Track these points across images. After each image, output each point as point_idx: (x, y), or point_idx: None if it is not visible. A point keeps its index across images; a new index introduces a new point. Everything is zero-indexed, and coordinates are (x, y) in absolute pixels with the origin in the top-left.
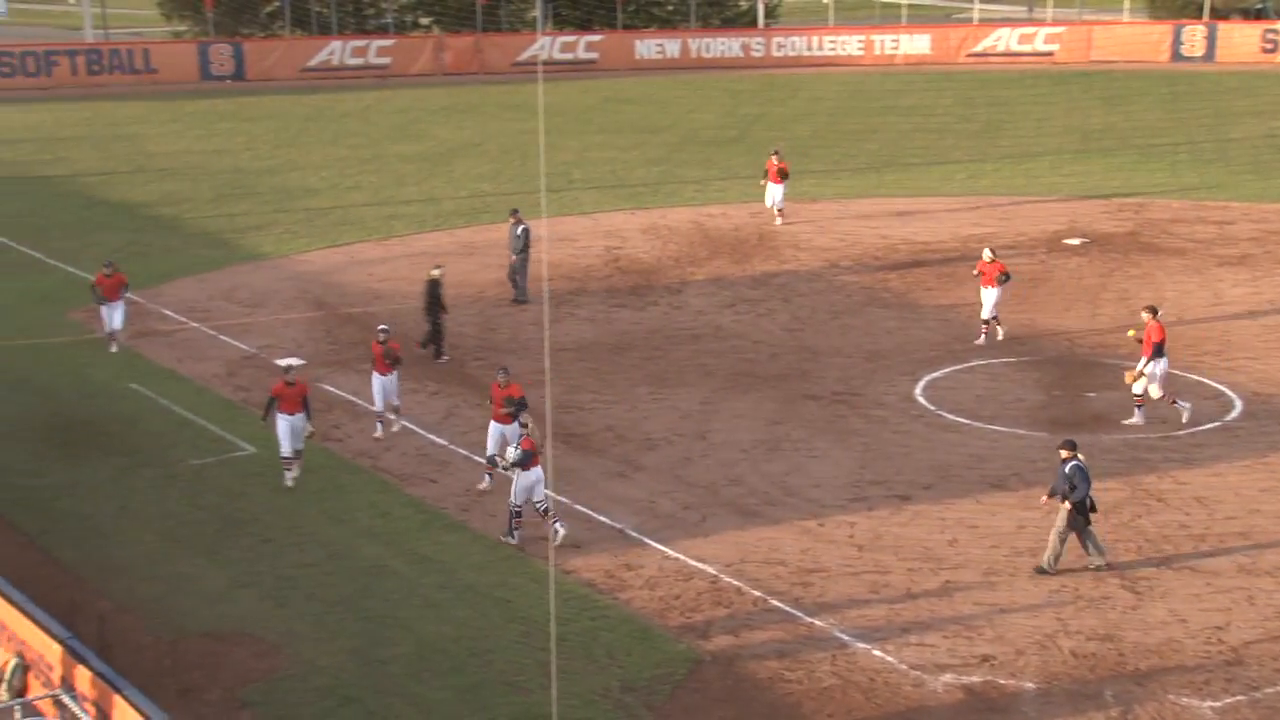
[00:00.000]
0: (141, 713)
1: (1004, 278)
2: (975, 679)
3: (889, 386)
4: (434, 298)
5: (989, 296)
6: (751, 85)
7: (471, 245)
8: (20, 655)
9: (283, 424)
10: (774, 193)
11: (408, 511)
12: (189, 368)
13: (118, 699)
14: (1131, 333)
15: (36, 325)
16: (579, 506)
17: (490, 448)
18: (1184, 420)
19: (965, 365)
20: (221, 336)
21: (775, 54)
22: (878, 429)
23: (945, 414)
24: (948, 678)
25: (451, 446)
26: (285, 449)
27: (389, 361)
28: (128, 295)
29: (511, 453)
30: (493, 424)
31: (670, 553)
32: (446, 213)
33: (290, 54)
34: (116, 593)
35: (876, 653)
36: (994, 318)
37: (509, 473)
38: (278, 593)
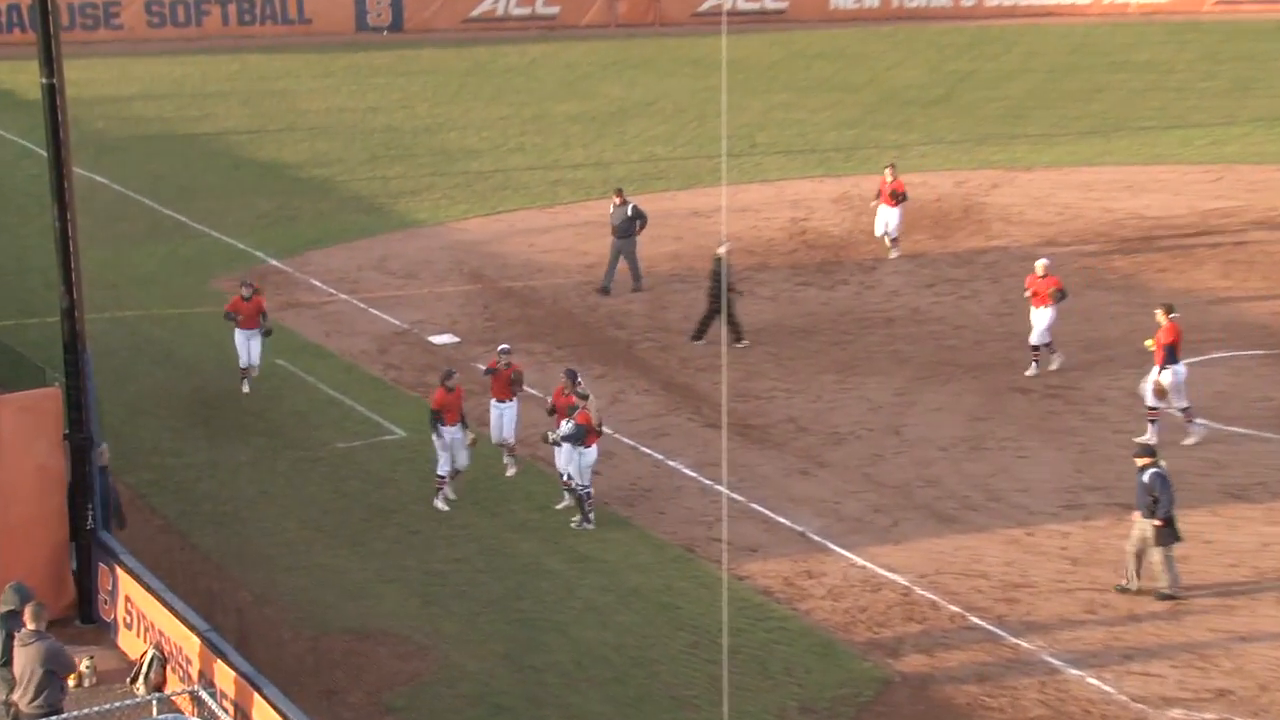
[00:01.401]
0: (282, 714)
1: (1059, 295)
2: (1209, 716)
3: (1110, 380)
4: (721, 279)
5: (1040, 319)
6: (960, 38)
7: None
8: (158, 647)
9: (443, 437)
10: (887, 218)
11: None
12: (336, 343)
13: (258, 698)
14: (1150, 342)
15: (180, 295)
16: (755, 506)
17: (494, 433)
18: (1190, 441)
19: (1204, 357)
20: (371, 310)
21: (988, 3)
22: (1096, 428)
23: (1177, 413)
24: (1176, 713)
25: (617, 436)
26: (443, 466)
27: (512, 387)
28: (265, 327)
29: (565, 425)
30: (492, 403)
31: (857, 560)
32: (616, 178)
33: (451, 3)
34: (256, 583)
35: (1092, 681)
36: (1047, 344)
37: (558, 445)
38: (425, 589)
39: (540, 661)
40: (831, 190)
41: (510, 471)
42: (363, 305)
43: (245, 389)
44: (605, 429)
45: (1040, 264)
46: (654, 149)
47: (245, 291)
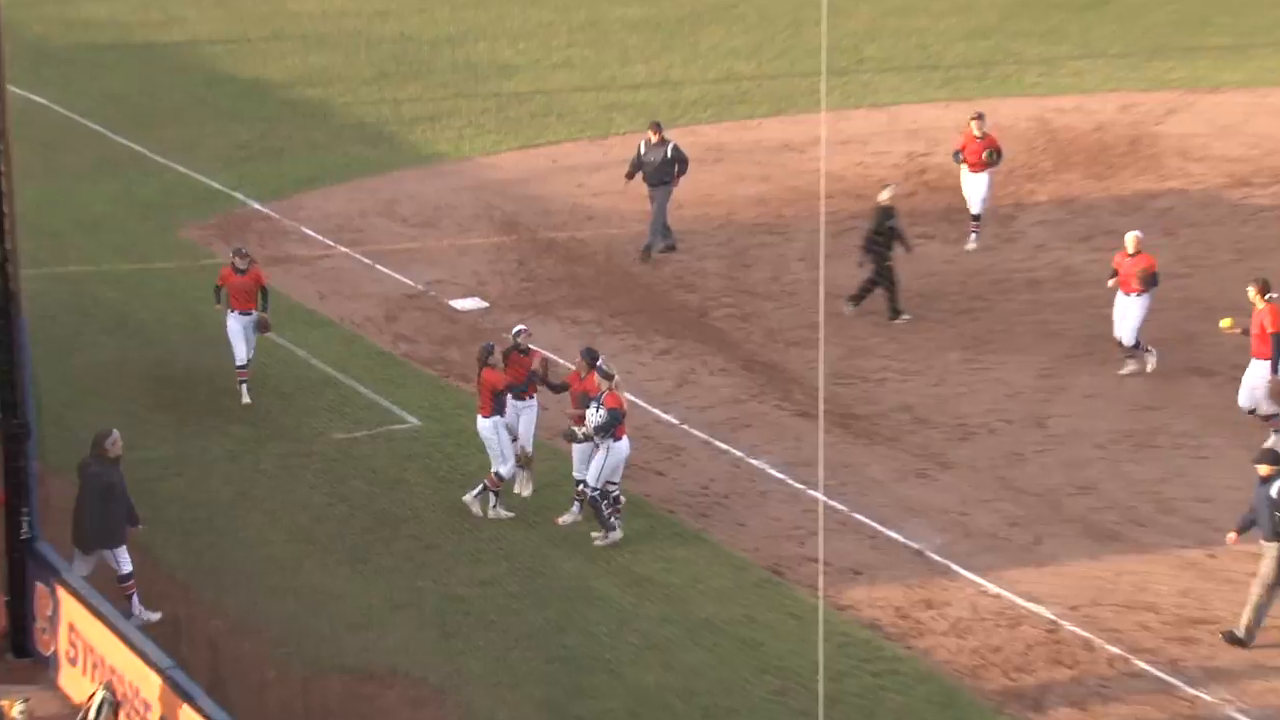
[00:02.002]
0: None
1: (1150, 280)
2: None
3: None
4: (886, 231)
5: (1130, 308)
6: None
7: (720, 148)
8: (109, 688)
9: (501, 432)
10: (974, 187)
11: (624, 513)
12: (335, 307)
13: None
14: (1227, 322)
15: (139, 244)
16: (860, 516)
17: (500, 461)
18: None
19: None
20: (378, 267)
21: None
22: None
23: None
24: None
25: (685, 427)
26: (506, 464)
27: (533, 382)
28: (264, 312)
29: (593, 415)
30: (482, 420)
31: (989, 586)
32: (686, 102)
33: None
34: (233, 609)
35: None
36: (1137, 344)
37: (588, 442)
38: (444, 618)
39: (587, 710)
40: (959, 117)
41: (526, 490)
42: (367, 261)
43: (246, 398)
44: (672, 419)
45: (1130, 238)
46: (734, 65)
47: (239, 262)
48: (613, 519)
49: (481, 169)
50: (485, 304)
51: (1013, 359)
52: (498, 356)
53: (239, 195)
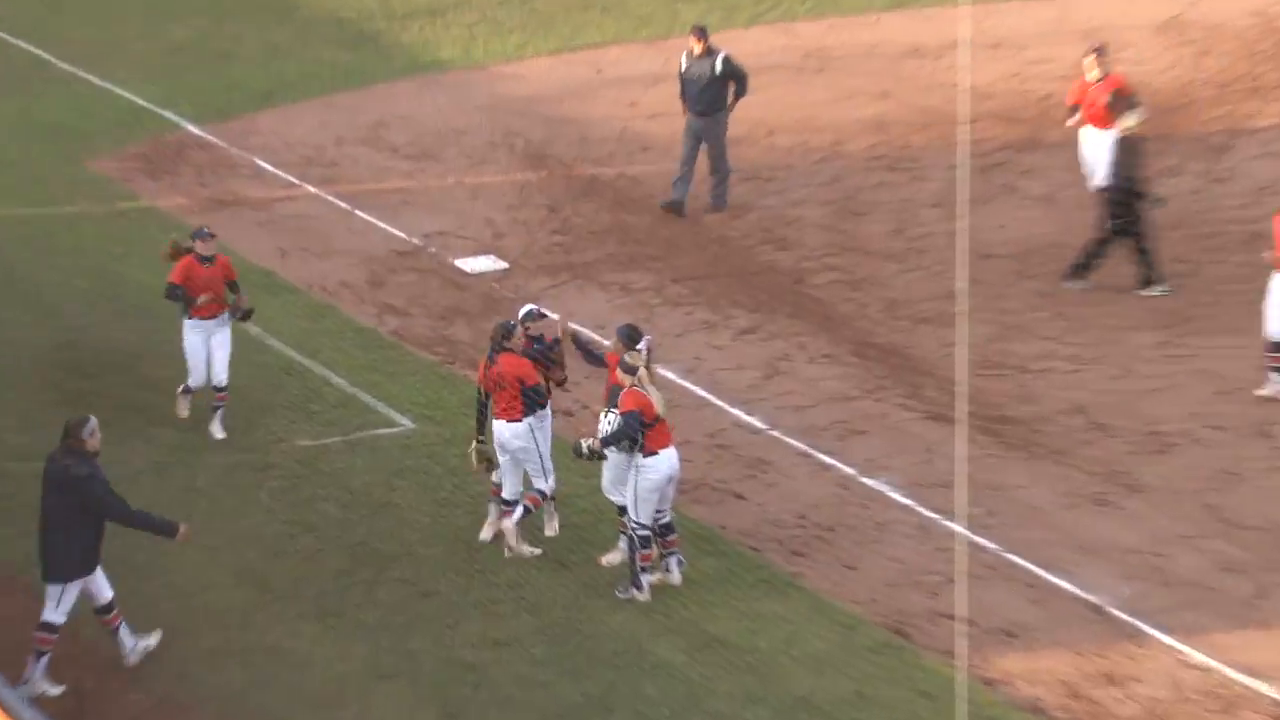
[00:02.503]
0: None
1: None
2: None
3: None
4: (1131, 172)
5: None
6: None
7: (823, 55)
8: None
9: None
10: (1092, 148)
11: (690, 550)
12: (300, 268)
13: None
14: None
15: (35, 181)
16: (1015, 558)
17: (542, 475)
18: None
19: None
20: (359, 213)
21: None
22: None
23: None
24: None
25: (774, 434)
26: (510, 488)
27: (543, 383)
28: (240, 307)
29: (605, 422)
30: (497, 424)
31: (1194, 655)
32: None
33: None
34: (160, 679)
35: None
36: None
37: (597, 458)
38: (445, 693)
39: None
40: (1150, 13)
41: (551, 527)
42: (344, 205)
43: (183, 411)
44: (757, 422)
45: None
46: None
47: (203, 247)
48: (662, 565)
49: (499, 81)
50: (503, 264)
51: (1225, 343)
52: (520, 338)
53: (170, 115)
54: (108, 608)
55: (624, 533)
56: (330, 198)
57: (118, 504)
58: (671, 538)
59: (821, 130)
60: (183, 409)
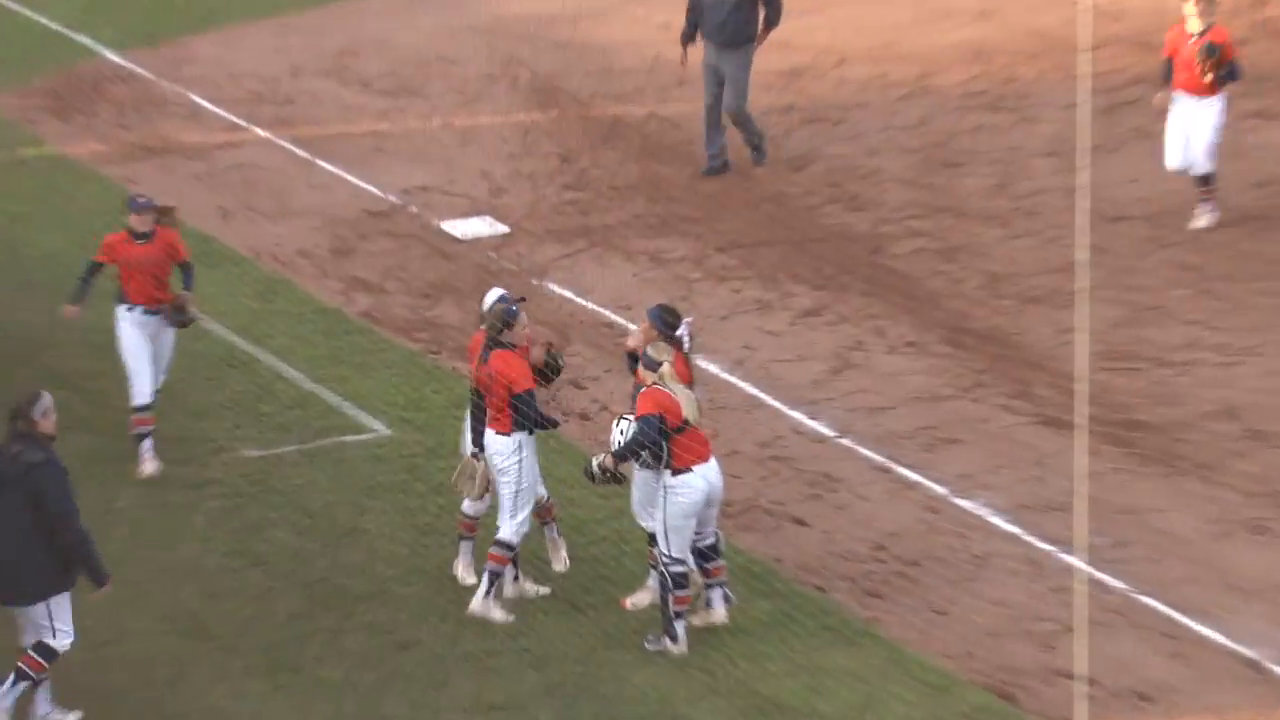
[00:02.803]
0: None
1: None
2: None
3: None
4: None
5: None
6: None
7: None
8: None
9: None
10: (1187, 124)
11: (738, 590)
12: (246, 232)
13: None
14: None
15: None
16: (1150, 600)
17: (511, 511)
18: None
19: None
20: (320, 162)
21: None
22: None
23: None
24: None
25: (845, 442)
26: (517, 522)
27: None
28: (192, 308)
29: (617, 430)
30: (487, 433)
31: None
32: None
33: None
34: None
35: None
36: None
37: (611, 480)
38: None
39: None
40: None
41: (559, 562)
42: (303, 153)
43: (148, 465)
44: (823, 427)
45: None
46: None
47: (139, 221)
48: (704, 600)
49: None
50: (502, 228)
51: None
52: (522, 329)
53: (85, 40)
54: (52, 653)
55: (655, 567)
56: (285, 144)
57: (73, 511)
58: (716, 564)
59: (905, 60)
60: (147, 463)
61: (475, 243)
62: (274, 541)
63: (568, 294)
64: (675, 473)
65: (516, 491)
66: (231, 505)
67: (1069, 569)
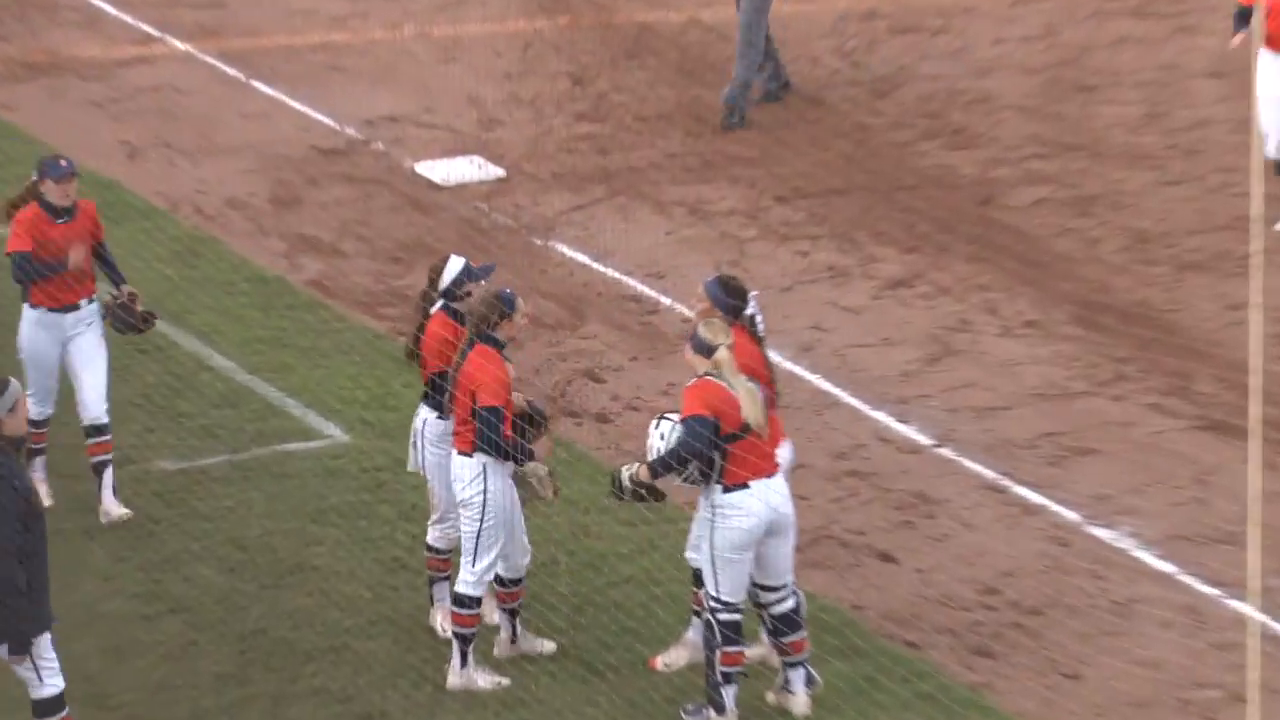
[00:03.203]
0: None
1: None
2: None
3: None
4: None
5: None
6: None
7: None
8: None
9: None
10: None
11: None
12: (160, 177)
13: None
14: None
15: None
16: None
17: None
18: None
19: None
20: (257, 85)
21: None
22: None
23: None
24: None
25: (944, 451)
26: (482, 565)
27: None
28: (126, 319)
29: (656, 434)
30: (457, 457)
31: None
32: None
33: None
34: None
35: None
36: None
37: (646, 498)
38: None
39: None
40: None
41: (544, 644)
42: (235, 73)
43: (113, 511)
44: (915, 433)
45: None
46: None
47: (57, 191)
48: (779, 681)
49: None
50: (496, 171)
51: None
52: (519, 321)
53: None
54: (57, 702)
55: (699, 613)
56: (211, 60)
57: (8, 538)
58: (796, 638)
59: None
60: (105, 514)
61: (460, 190)
62: (197, 581)
63: (581, 258)
64: (726, 489)
65: (479, 531)
66: (142, 534)
67: (1239, 619)
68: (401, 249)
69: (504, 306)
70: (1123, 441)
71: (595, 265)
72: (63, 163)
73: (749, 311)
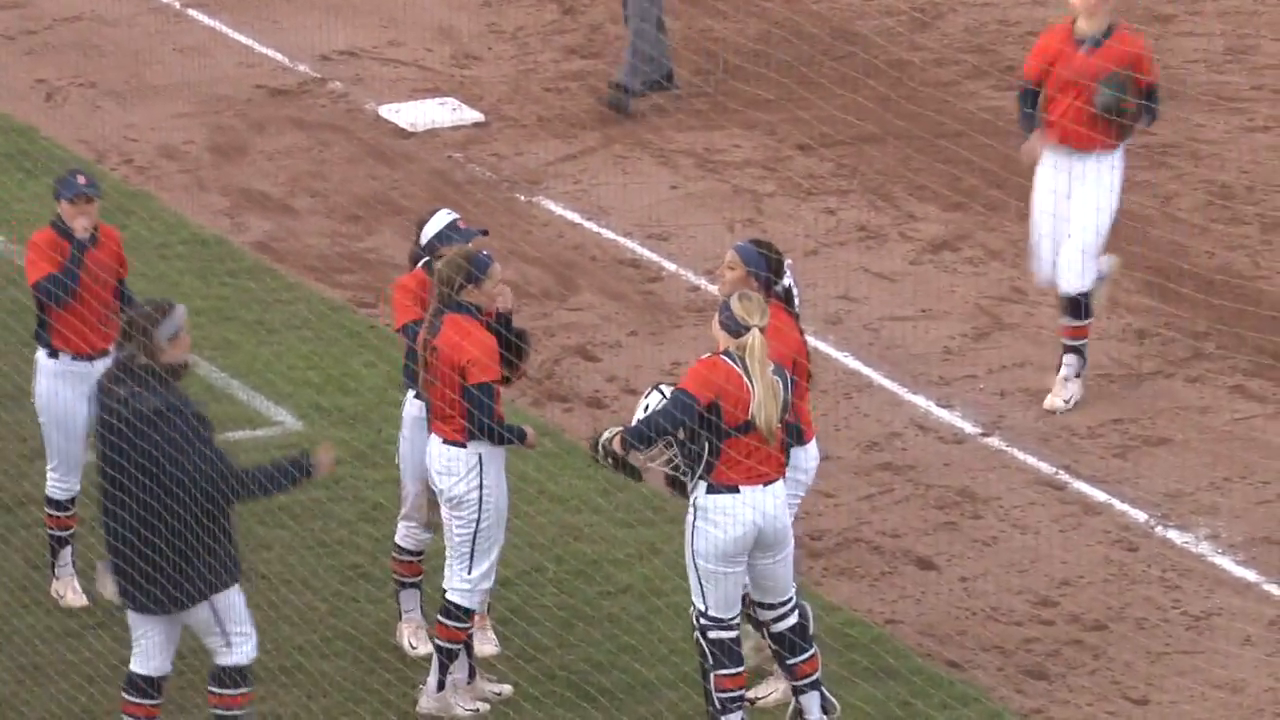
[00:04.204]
0: None
1: None
2: None
3: None
4: None
5: None
6: None
7: None
8: None
9: (416, 467)
10: None
11: (829, 663)
12: (83, 122)
13: None
14: None
15: None
16: None
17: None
18: None
19: None
20: (192, 12)
21: None
22: None
23: None
24: None
25: (993, 440)
26: (405, 532)
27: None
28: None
29: (647, 403)
30: (445, 448)
31: None
32: None
33: None
34: None
35: None
36: None
37: (626, 473)
38: None
39: None
40: None
41: (497, 687)
42: (177, 3)
43: (108, 586)
44: (968, 425)
45: None
46: None
47: (79, 215)
48: (792, 711)
49: None
50: (474, 115)
51: None
52: (494, 286)
53: None
54: (243, 673)
55: (751, 618)
56: None
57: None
58: (804, 658)
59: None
60: (106, 586)
61: (430, 137)
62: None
63: (572, 216)
64: (711, 489)
65: (475, 532)
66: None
67: None
68: (361, 206)
69: (471, 268)
70: (1200, 430)
71: (588, 225)
72: (80, 179)
73: (786, 283)
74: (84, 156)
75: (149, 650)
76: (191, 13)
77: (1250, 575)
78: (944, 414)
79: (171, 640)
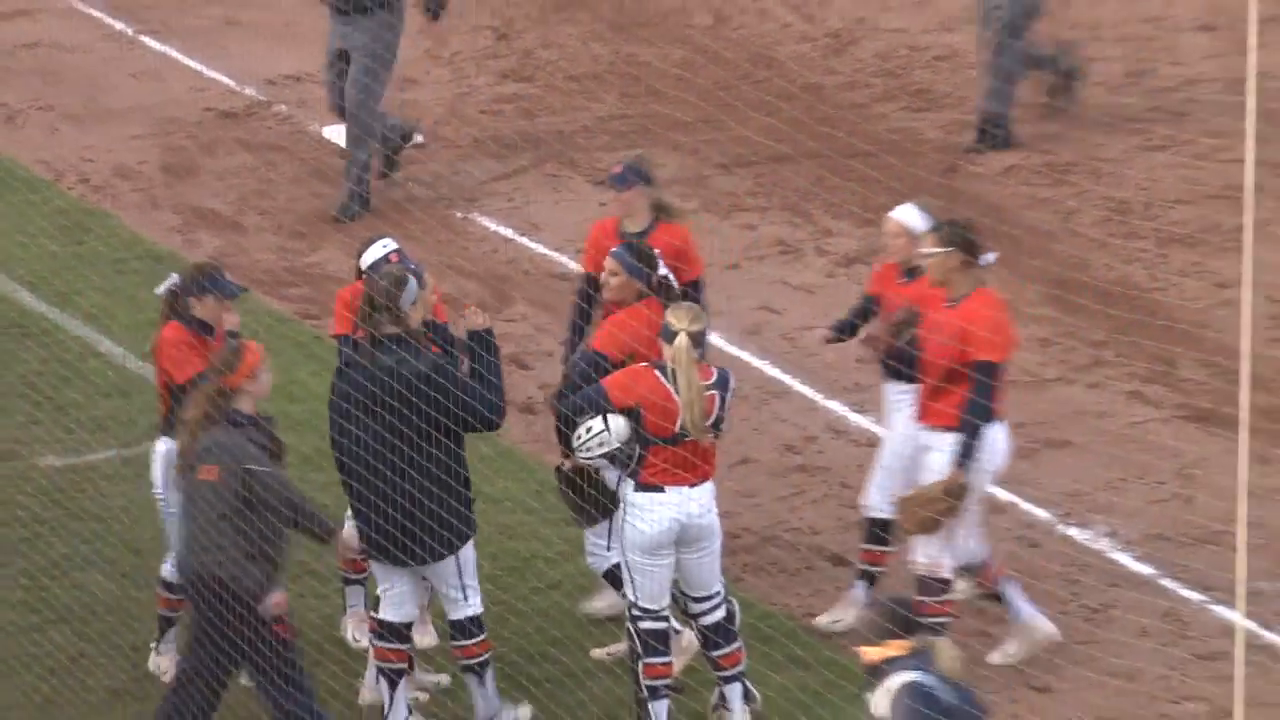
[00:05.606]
0: None
1: None
2: None
3: None
4: None
5: None
6: None
7: None
8: None
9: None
10: None
11: (751, 655)
12: (41, 144)
13: None
14: None
15: None
16: None
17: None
18: None
19: None
20: (146, 39)
21: None
22: None
23: None
24: None
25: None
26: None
27: None
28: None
29: (601, 429)
30: None
31: None
32: None
33: None
34: None
35: None
36: None
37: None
38: None
39: None
40: None
41: (434, 677)
42: (123, 27)
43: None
44: (873, 422)
45: None
46: None
47: (209, 311)
48: (713, 700)
49: None
50: (415, 138)
51: None
52: (427, 303)
53: None
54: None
55: (687, 614)
56: (97, 14)
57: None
58: (728, 651)
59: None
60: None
61: (337, 142)
62: (86, 588)
63: (506, 232)
64: (639, 488)
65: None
66: (24, 536)
67: (1225, 627)
68: (306, 223)
69: (391, 284)
70: (1099, 433)
71: (521, 240)
72: (230, 278)
73: (662, 271)
74: (43, 176)
75: (397, 599)
76: (145, 39)
77: (1146, 570)
78: (858, 419)
79: (415, 589)
